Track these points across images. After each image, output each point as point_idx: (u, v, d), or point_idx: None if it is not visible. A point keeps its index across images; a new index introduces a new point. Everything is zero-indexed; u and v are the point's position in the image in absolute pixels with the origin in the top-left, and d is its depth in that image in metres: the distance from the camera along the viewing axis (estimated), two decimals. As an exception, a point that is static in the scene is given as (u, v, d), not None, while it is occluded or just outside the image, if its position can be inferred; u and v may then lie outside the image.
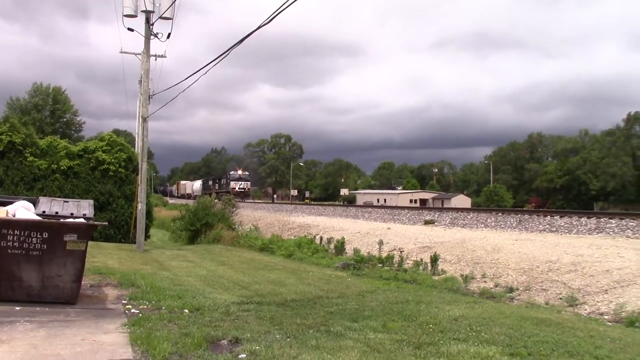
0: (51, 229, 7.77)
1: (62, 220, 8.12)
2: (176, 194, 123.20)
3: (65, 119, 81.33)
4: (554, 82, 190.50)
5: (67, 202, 8.95)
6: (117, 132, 64.64)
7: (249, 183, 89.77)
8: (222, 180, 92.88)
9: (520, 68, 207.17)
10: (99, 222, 8.88)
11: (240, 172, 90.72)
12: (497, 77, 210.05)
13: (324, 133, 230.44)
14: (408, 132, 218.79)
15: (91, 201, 9.20)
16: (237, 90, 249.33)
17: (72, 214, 8.50)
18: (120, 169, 24.28)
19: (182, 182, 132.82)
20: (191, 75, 15.66)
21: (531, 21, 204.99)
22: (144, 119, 20.36)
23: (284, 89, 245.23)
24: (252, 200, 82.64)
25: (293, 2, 8.08)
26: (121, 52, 35.72)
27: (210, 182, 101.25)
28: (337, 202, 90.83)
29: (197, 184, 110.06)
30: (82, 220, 8.29)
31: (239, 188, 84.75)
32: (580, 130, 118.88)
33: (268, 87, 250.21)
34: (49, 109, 77.67)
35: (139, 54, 22.76)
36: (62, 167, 23.45)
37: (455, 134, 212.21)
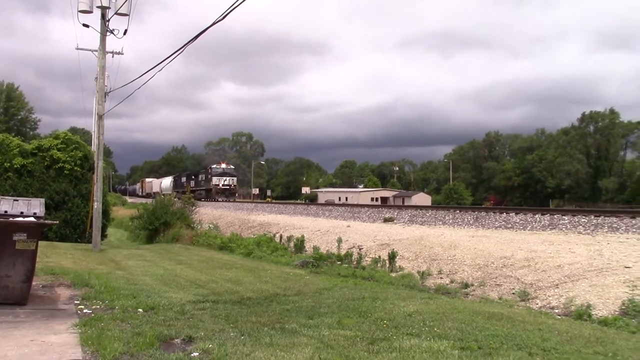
0: (-1, 228, 7.60)
1: (10, 219, 7.95)
2: (140, 193, 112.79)
3: (19, 117, 79.53)
4: (517, 81, 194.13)
5: (17, 200, 8.74)
6: (74, 130, 63.61)
7: (235, 179, 75.10)
8: (201, 176, 79.06)
9: (485, 67, 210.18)
10: (50, 221, 8.72)
11: (224, 165, 75.76)
12: (462, 77, 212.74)
13: (288, 132, 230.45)
14: (372, 130, 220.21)
15: (42, 200, 9.00)
16: (201, 88, 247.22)
17: (22, 212, 8.31)
18: (76, 168, 23.83)
19: (148, 179, 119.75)
20: (147, 72, 15.48)
21: (497, 21, 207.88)
22: (100, 117, 20.03)
23: (247, 87, 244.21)
24: (243, 200, 74.47)
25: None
26: (77, 49, 34.98)
27: (184, 179, 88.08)
28: (298, 201, 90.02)
29: (167, 181, 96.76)
30: (32, 219, 8.12)
31: (223, 185, 71.77)
32: (537, 129, 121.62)
33: (232, 85, 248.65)
34: (1, 106, 75.81)
35: (96, 51, 22.32)
36: (15, 166, 22.89)
37: (418, 132, 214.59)
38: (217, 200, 66.58)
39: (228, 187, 72.03)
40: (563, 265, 12.72)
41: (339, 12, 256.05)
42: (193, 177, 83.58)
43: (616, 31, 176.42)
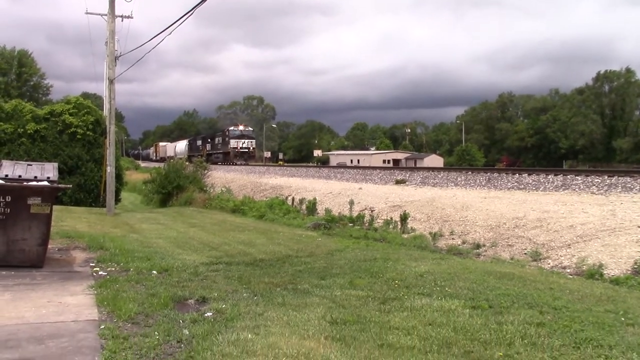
0: (14, 192, 7.68)
1: (25, 183, 8.02)
2: (154, 158, 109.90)
3: (32, 83, 79.61)
4: (531, 40, 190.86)
5: (31, 165, 8.82)
6: (85, 95, 63.49)
7: (253, 142, 70.81)
8: (217, 139, 75.25)
9: (498, 27, 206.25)
10: (64, 185, 8.80)
11: (242, 127, 71.63)
12: (474, 36, 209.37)
13: (299, 94, 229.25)
14: (383, 92, 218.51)
15: (55, 164, 9.07)
16: (211, 51, 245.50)
17: (35, 177, 8.39)
18: (88, 132, 23.90)
19: (162, 143, 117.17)
20: (157, 35, 15.35)
21: None
22: (111, 81, 20.02)
23: (258, 50, 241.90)
24: (255, 163, 69.53)
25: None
26: (86, 13, 34.79)
27: (199, 143, 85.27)
28: (310, 164, 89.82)
29: (181, 145, 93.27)
30: (45, 183, 8.20)
31: (241, 147, 67.56)
32: (551, 89, 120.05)
33: (242, 48, 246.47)
34: (14, 73, 75.83)
35: (105, 15, 22.17)
36: (28, 131, 22.99)
37: (430, 94, 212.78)
38: (236, 164, 63.69)
39: (247, 150, 67.99)
40: (575, 225, 12.68)
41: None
42: (209, 140, 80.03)
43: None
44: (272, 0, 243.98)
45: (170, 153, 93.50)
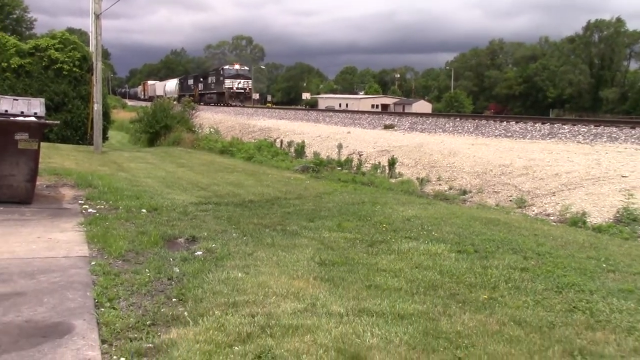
0: (1, 128, 7.59)
1: (11, 118, 7.93)
2: (142, 97, 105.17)
3: (14, 16, 77.57)
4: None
5: (17, 100, 8.69)
6: (71, 30, 61.98)
7: (250, 82, 67.54)
8: (211, 79, 71.46)
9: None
10: (51, 121, 8.70)
11: (237, 66, 67.93)
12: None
13: (288, 36, 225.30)
14: (374, 36, 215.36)
15: (42, 100, 8.94)
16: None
17: (22, 112, 8.28)
18: (74, 69, 23.47)
19: (150, 82, 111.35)
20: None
21: None
22: (97, 16, 19.52)
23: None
24: (251, 105, 65.54)
25: None
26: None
27: (191, 82, 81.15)
28: (299, 107, 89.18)
29: (172, 84, 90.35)
30: (33, 118, 8.11)
31: (237, 88, 64.42)
32: (540, 37, 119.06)
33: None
34: (-4, 5, 73.82)
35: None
36: (12, 66, 22.51)
37: (421, 39, 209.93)
38: (230, 105, 60.77)
39: (243, 91, 64.80)
40: (561, 173, 12.83)
41: None
42: (202, 79, 76.12)
43: None
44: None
45: (159, 92, 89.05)
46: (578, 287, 5.10)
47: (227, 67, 67.68)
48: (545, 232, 7.83)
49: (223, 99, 65.32)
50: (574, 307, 4.59)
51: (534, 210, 11.12)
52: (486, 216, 8.98)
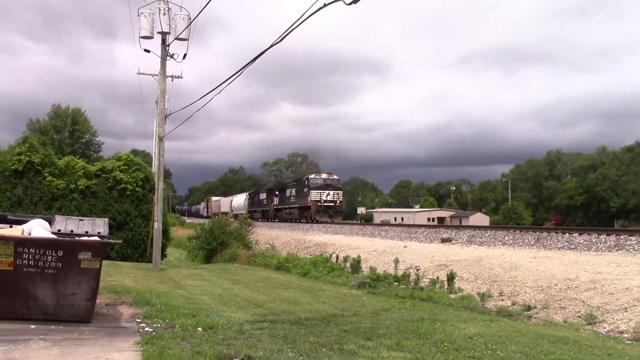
0: (66, 247, 7.83)
1: (76, 238, 8.18)
2: (205, 214, 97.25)
3: (84, 140, 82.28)
4: (580, 97, 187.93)
5: (82, 220, 9.02)
6: (135, 152, 65.21)
7: (340, 193, 55.87)
8: (290, 191, 61.68)
9: (547, 83, 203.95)
10: (114, 240, 8.94)
11: (325, 175, 56.96)
12: (523, 93, 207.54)
13: (343, 151, 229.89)
14: (428, 149, 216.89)
15: (106, 219, 9.26)
16: (259, 109, 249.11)
17: (87, 232, 8.56)
18: (137, 188, 24.47)
19: (215, 198, 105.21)
20: (207, 94, 15.76)
21: (560, 34, 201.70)
22: (160, 139, 20.54)
23: (306, 108, 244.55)
24: (343, 222, 55.58)
25: (304, 21, 8.11)
26: (138, 74, 36.28)
27: (263, 196, 72.83)
28: (354, 221, 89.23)
29: (240, 199, 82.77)
30: (96, 238, 8.35)
31: (325, 201, 53.42)
32: (598, 147, 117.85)
33: (290, 106, 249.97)
34: (68, 130, 78.66)
35: (156, 75, 23.00)
36: (79, 187, 23.68)
37: (476, 151, 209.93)
38: (318, 221, 51.87)
39: (332, 204, 53.67)
40: (631, 287, 12.20)
41: (398, 29, 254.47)
42: (277, 192, 67.02)
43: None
44: (320, 58, 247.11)
45: (224, 209, 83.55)
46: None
47: (312, 176, 57.02)
48: (620, 352, 7.34)
49: (307, 214, 56.12)
50: None
51: (605, 327, 10.51)
52: (554, 334, 8.52)
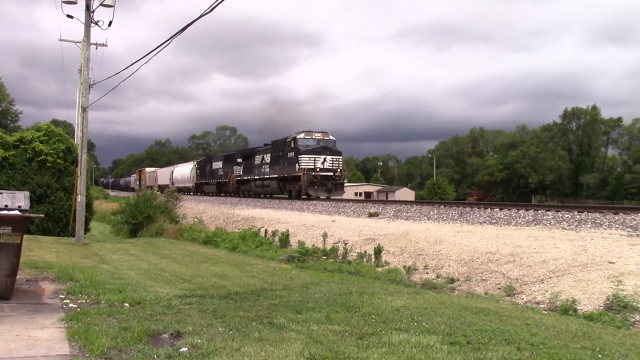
0: (-17, 222, 7.48)
1: (-5, 212, 7.83)
2: (136, 187, 77.06)
3: (0, 109, 78.54)
4: (508, 77, 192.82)
5: (2, 193, 8.62)
6: (56, 122, 62.78)
7: (340, 159, 39.27)
8: (262, 157, 46.28)
9: (478, 62, 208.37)
10: (35, 215, 8.62)
11: (318, 135, 39.42)
12: (454, 71, 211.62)
13: (272, 125, 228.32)
14: (359, 124, 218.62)
15: (27, 193, 8.89)
16: (190, 80, 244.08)
17: (6, 205, 8.20)
18: (58, 160, 23.60)
19: (149, 169, 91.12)
20: (134, 63, 15.31)
21: (494, 14, 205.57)
22: (84, 109, 19.84)
23: (238, 79, 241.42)
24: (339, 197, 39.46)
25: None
26: (60, 40, 34.69)
27: (218, 165, 56.60)
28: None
29: (184, 170, 68.25)
30: (17, 212, 8.01)
31: (322, 169, 37.54)
32: (518, 125, 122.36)
33: (222, 77, 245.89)
34: (-18, 98, 74.87)
35: (79, 42, 22.11)
36: (-4, 158, 22.63)
37: (406, 127, 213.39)
38: (312, 197, 38.42)
39: (331, 174, 37.93)
40: (548, 260, 12.79)
41: (336, 1, 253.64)
42: (240, 159, 51.44)
43: (613, 24, 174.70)
44: (253, 29, 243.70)
45: (163, 181, 71.85)
46: (576, 380, 4.96)
47: (302, 136, 39.42)
48: (537, 321, 7.71)
49: (295, 187, 41.01)
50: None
51: (523, 298, 10.99)
52: (476, 305, 8.85)
